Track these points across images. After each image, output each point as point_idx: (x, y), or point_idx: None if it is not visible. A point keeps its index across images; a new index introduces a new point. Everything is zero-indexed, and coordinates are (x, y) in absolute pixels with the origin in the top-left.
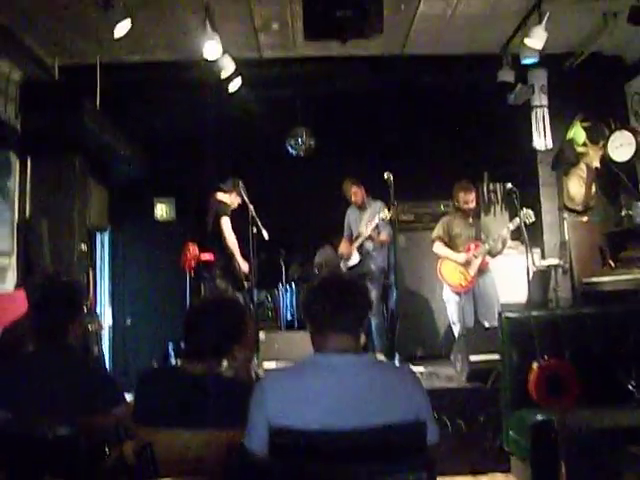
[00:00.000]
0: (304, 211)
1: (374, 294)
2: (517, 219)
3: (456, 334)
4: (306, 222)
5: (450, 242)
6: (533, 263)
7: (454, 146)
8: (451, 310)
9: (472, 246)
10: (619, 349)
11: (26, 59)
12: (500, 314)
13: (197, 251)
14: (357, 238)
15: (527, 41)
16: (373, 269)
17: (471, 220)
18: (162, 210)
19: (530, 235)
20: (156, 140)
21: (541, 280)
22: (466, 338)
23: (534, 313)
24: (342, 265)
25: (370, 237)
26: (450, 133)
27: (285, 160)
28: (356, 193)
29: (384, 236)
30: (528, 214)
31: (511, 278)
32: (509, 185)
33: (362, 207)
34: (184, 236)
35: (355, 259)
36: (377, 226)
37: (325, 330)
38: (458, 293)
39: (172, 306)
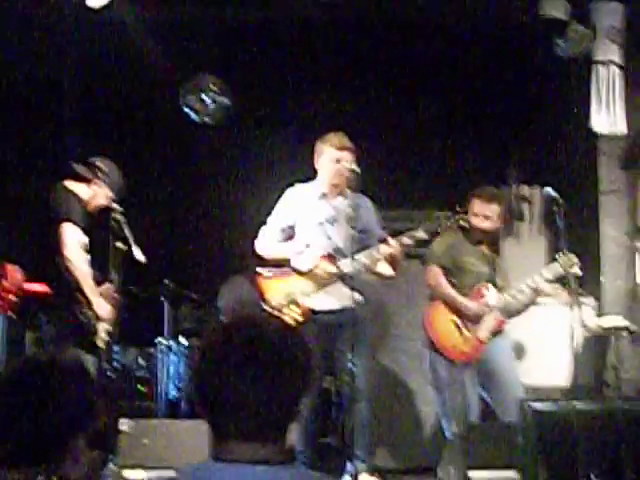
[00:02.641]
0: (206, 217)
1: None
2: (557, 265)
3: (447, 434)
4: (208, 235)
5: (452, 276)
6: (583, 323)
7: (461, 121)
8: (440, 394)
9: (485, 291)
10: None
11: None
12: (523, 404)
13: (20, 277)
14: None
15: None
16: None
17: (485, 250)
18: None
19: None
20: None
21: (595, 351)
22: (463, 441)
23: (580, 405)
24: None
25: (390, 259)
26: (456, 100)
27: (179, 130)
28: (345, 161)
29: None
30: (569, 261)
31: (544, 345)
32: (549, 190)
33: (341, 193)
34: None
35: (338, 299)
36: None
37: (225, 433)
38: (453, 365)
39: None
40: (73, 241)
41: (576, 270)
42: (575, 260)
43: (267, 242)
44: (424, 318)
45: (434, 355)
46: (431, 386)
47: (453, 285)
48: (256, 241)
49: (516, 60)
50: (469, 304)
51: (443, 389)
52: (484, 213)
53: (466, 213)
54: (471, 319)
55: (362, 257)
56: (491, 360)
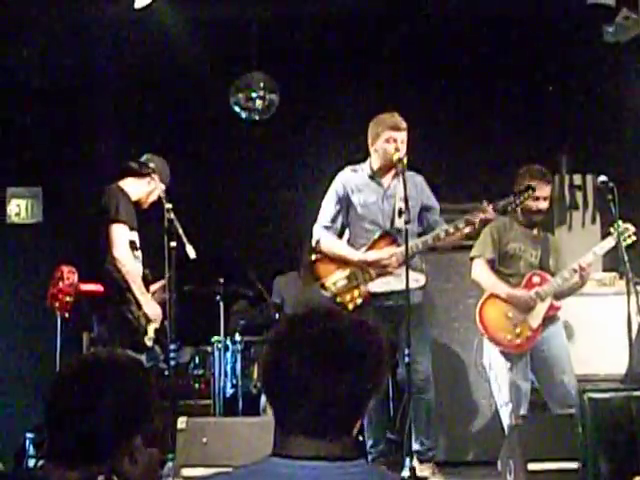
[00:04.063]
0: (257, 213)
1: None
2: (610, 238)
3: (506, 425)
4: (260, 232)
5: (501, 265)
6: (639, 310)
7: (508, 110)
8: (497, 384)
9: (536, 278)
10: None
11: None
12: (582, 393)
13: (75, 278)
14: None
15: None
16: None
17: (536, 232)
18: (19, 208)
19: (636, 264)
20: (8, 91)
21: None
22: (522, 433)
23: (638, 393)
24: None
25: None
26: (507, 88)
27: (228, 127)
28: (400, 142)
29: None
30: (625, 231)
31: (600, 334)
32: (602, 178)
33: (394, 172)
34: (55, 252)
35: (400, 281)
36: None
37: (290, 427)
38: (508, 355)
39: (33, 370)
40: (123, 241)
41: (633, 238)
42: (632, 229)
43: (323, 237)
44: (477, 311)
45: (489, 347)
46: (486, 379)
47: (503, 274)
48: (314, 233)
49: (567, 47)
50: (518, 294)
51: (499, 381)
52: (543, 195)
53: (534, 191)
54: (522, 309)
55: (428, 238)
56: (548, 348)
